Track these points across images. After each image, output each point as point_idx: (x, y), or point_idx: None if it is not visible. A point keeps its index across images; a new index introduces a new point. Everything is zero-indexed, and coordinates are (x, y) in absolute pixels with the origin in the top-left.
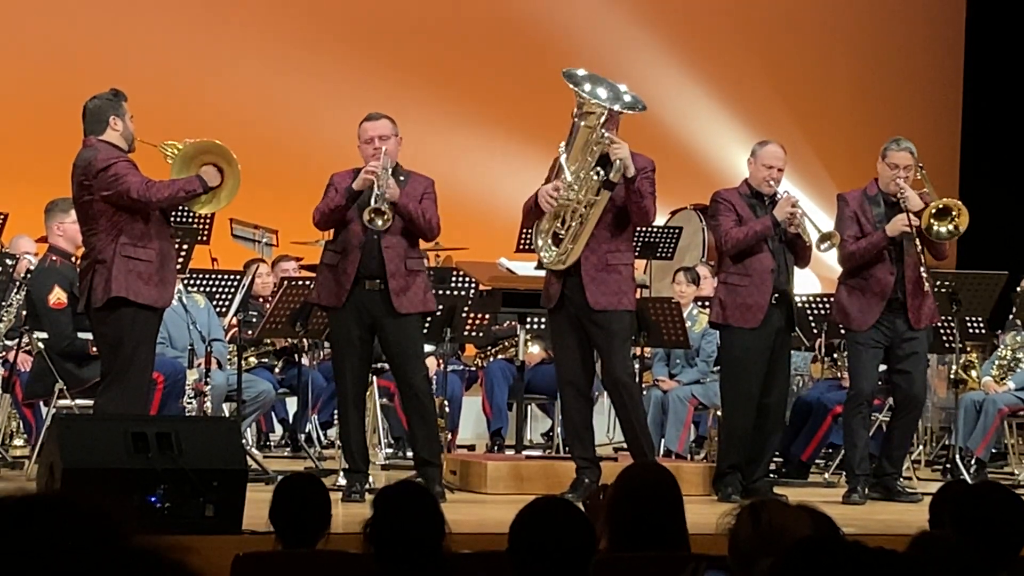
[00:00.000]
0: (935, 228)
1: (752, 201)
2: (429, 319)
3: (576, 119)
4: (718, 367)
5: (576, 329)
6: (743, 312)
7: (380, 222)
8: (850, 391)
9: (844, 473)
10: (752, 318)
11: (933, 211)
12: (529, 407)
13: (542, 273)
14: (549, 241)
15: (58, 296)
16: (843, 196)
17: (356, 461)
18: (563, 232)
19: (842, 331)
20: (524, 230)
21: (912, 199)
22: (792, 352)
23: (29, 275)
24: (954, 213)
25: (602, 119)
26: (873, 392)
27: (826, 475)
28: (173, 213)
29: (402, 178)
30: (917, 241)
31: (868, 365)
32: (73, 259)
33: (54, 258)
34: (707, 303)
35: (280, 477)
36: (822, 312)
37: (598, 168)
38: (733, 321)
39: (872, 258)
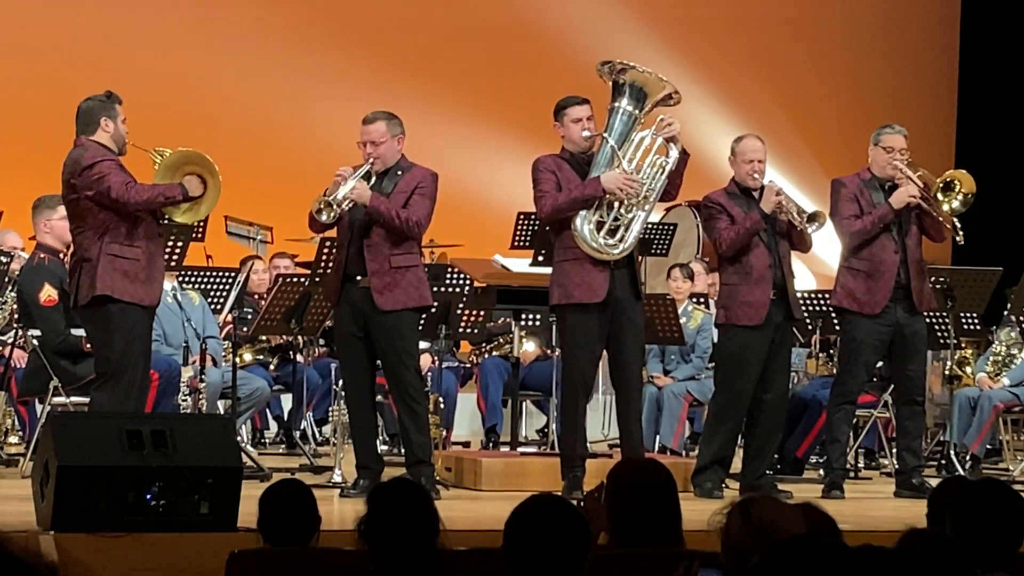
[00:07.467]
0: (947, 204)
1: (741, 199)
2: (425, 315)
3: (620, 105)
4: (713, 363)
5: (604, 326)
6: (746, 309)
7: (325, 216)
8: (838, 386)
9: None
10: (755, 315)
11: (940, 185)
12: (524, 404)
13: (536, 270)
14: (598, 232)
15: (48, 293)
16: (839, 180)
17: (360, 457)
18: (620, 221)
19: (836, 323)
20: (562, 216)
21: (912, 180)
22: None
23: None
24: (958, 183)
25: (661, 100)
26: (861, 390)
27: (821, 472)
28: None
29: (400, 172)
30: (914, 227)
31: (862, 364)
32: (62, 256)
33: (42, 255)
34: (701, 299)
35: (270, 481)
36: (818, 308)
37: (660, 157)
38: (736, 320)
39: (875, 238)
